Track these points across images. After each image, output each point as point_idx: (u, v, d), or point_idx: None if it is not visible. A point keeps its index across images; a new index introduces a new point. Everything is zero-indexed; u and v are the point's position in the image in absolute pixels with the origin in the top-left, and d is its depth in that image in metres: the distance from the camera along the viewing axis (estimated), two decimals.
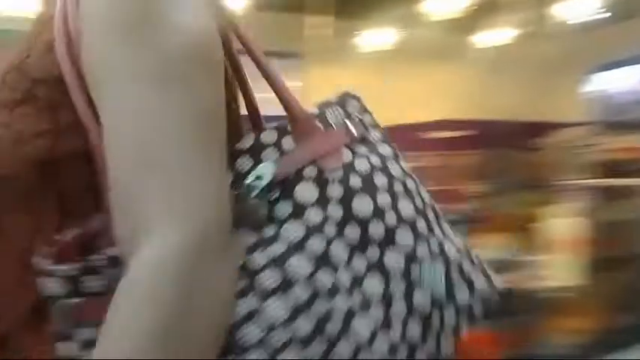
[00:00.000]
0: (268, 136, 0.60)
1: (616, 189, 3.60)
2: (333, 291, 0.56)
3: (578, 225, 3.25)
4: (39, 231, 0.56)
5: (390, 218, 0.59)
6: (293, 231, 0.56)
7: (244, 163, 0.58)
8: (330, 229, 0.57)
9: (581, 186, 3.59)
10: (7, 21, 3.92)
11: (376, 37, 6.83)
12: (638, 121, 5.38)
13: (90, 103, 0.54)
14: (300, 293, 0.55)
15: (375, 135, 0.66)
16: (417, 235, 0.61)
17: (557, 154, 4.30)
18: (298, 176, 0.58)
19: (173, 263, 0.47)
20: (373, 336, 0.56)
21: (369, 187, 0.59)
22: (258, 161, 0.58)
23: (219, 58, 0.57)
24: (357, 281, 0.57)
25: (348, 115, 0.64)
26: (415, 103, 6.46)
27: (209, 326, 0.50)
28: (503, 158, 4.52)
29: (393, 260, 0.59)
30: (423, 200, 0.64)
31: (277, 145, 0.59)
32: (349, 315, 0.56)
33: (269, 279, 0.55)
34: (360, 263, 0.57)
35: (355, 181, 0.59)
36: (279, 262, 0.55)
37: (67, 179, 0.57)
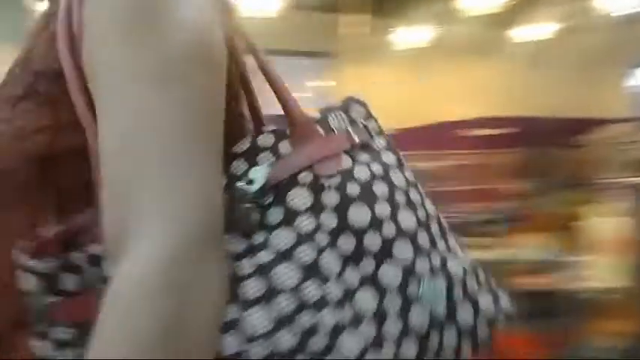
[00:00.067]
0: (265, 139, 0.58)
1: None
2: (321, 304, 0.53)
3: (623, 224, 3.17)
4: (36, 228, 0.55)
5: (389, 229, 0.57)
6: (283, 238, 0.55)
7: (239, 166, 0.57)
8: (322, 238, 0.55)
9: (625, 184, 3.49)
10: None
11: (413, 34, 6.81)
12: None
13: (89, 100, 0.54)
14: (285, 304, 0.52)
15: (379, 142, 0.64)
16: (417, 248, 0.58)
17: (601, 152, 4.22)
18: (292, 181, 0.56)
19: (162, 265, 0.46)
20: (362, 354, 0.54)
21: (367, 195, 0.57)
22: (252, 165, 0.56)
23: (221, 58, 0.55)
24: (348, 295, 0.54)
25: (352, 121, 0.62)
26: (453, 100, 6.38)
27: (201, 328, 0.48)
28: (545, 156, 4.49)
29: (390, 274, 0.56)
30: (427, 212, 0.61)
31: (274, 148, 0.58)
32: (337, 330, 0.53)
33: (253, 288, 0.53)
34: (352, 276, 0.55)
35: (353, 189, 0.57)
36: (265, 270, 0.53)
37: (66, 176, 0.57)
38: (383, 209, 0.57)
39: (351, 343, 0.53)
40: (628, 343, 2.83)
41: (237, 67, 0.62)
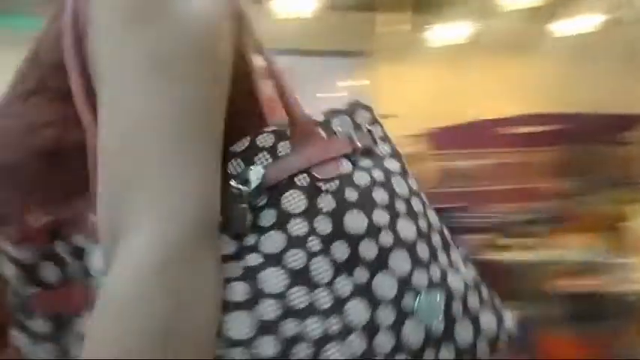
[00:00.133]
0: (265, 139, 0.57)
1: None
2: (308, 311, 0.52)
3: None
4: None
5: (386, 238, 0.55)
6: (273, 241, 0.53)
7: (235, 166, 0.55)
8: (315, 244, 0.53)
9: None
10: None
11: (451, 30, 6.75)
12: None
13: (88, 96, 0.54)
14: (268, 310, 0.51)
15: (383, 149, 0.62)
16: (415, 260, 0.56)
17: None
18: (289, 183, 0.55)
19: (157, 265, 0.46)
20: None
21: (365, 202, 0.56)
22: (249, 165, 0.55)
23: (225, 55, 0.55)
24: (338, 304, 0.53)
25: (356, 126, 0.61)
26: (492, 97, 6.32)
27: (198, 329, 0.48)
28: (589, 154, 4.44)
29: (384, 285, 0.54)
30: (429, 223, 0.60)
31: (272, 149, 0.56)
32: (323, 340, 0.51)
33: (238, 291, 0.51)
34: (344, 284, 0.53)
35: (351, 195, 0.56)
36: (252, 273, 0.52)
37: (72, 171, 0.57)
38: (381, 217, 0.56)
39: (337, 354, 0.51)
40: None
41: (246, 63, 0.61)
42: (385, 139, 0.63)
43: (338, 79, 6.77)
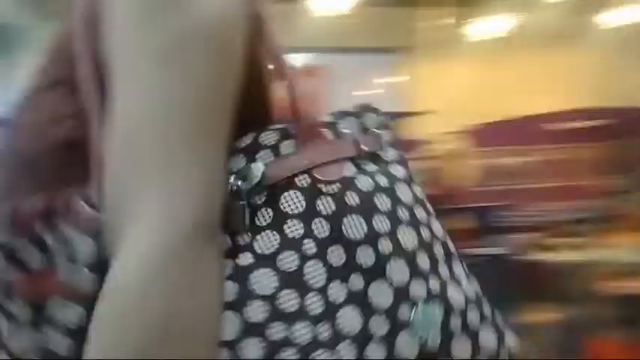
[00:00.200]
0: (268, 136, 0.56)
1: None
2: (297, 316, 0.51)
3: None
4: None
5: (385, 246, 0.54)
6: (267, 242, 0.52)
7: (237, 162, 0.55)
8: (310, 247, 0.53)
9: None
10: None
11: (494, 23, 6.67)
12: None
13: (95, 87, 0.55)
14: (255, 313, 0.50)
15: (390, 154, 0.61)
16: (414, 270, 0.55)
17: None
18: (289, 183, 0.54)
19: (160, 263, 0.47)
20: None
21: (366, 207, 0.55)
22: (251, 162, 0.55)
23: (237, 47, 0.54)
24: (330, 310, 0.51)
25: (364, 129, 0.60)
26: (537, 92, 6.22)
27: (200, 327, 0.48)
28: (638, 149, 4.30)
29: (380, 294, 0.53)
30: (432, 233, 0.58)
31: (275, 147, 0.56)
32: (311, 346, 0.50)
33: (226, 291, 0.51)
34: (337, 290, 0.52)
35: (352, 199, 0.55)
36: (242, 273, 0.51)
37: (87, 164, 0.57)
38: (381, 224, 0.55)
39: None
40: None
41: (259, 66, 0.61)
42: (393, 144, 0.62)
43: (377, 77, 6.74)
